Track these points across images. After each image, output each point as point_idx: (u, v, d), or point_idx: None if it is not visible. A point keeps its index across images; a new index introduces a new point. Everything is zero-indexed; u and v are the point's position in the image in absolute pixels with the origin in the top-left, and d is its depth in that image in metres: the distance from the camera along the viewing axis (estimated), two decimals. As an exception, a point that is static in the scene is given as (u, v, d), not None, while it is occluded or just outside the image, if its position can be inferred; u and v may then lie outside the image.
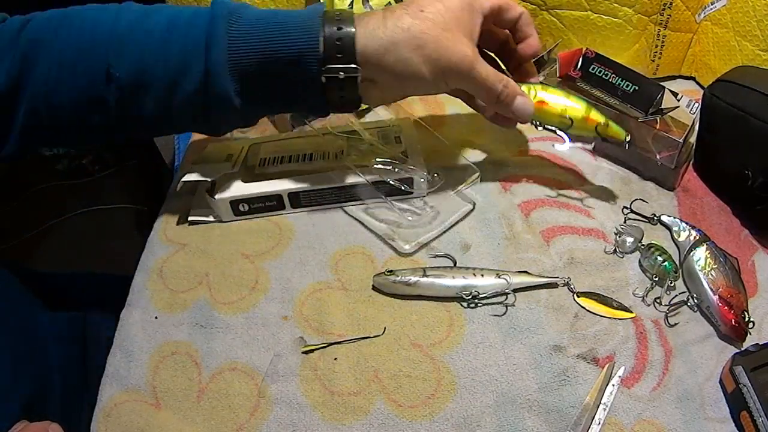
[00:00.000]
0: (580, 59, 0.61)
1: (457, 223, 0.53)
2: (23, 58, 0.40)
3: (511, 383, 0.42)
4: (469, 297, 0.46)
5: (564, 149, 0.60)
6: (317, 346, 0.44)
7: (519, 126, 0.65)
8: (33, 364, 0.51)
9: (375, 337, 0.45)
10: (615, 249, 0.51)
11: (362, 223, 0.54)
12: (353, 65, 0.42)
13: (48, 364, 0.53)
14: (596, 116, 0.50)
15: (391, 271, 0.47)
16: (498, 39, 0.51)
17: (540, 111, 0.50)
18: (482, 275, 0.47)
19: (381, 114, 0.64)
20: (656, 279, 0.48)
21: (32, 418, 0.47)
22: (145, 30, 0.41)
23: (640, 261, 0.50)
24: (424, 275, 0.47)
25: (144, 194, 1.50)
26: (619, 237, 0.51)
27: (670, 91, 0.56)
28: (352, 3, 0.64)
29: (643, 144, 0.55)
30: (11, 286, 0.54)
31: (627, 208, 0.54)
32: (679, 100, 0.56)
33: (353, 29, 0.42)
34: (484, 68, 0.44)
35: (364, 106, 0.64)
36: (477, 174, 0.55)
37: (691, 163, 0.59)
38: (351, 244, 0.52)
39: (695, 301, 0.46)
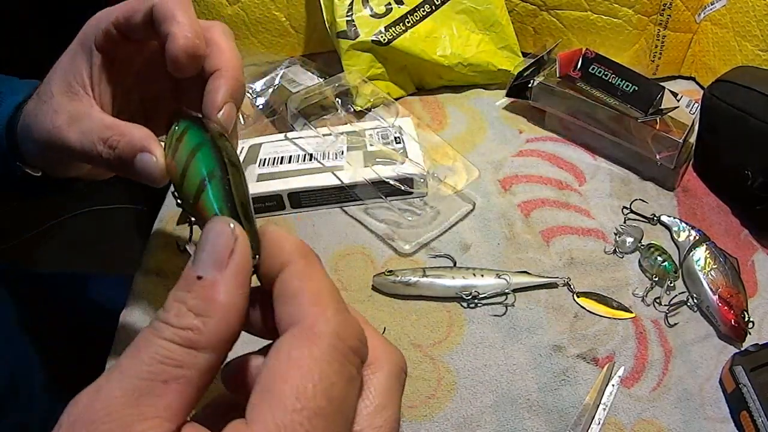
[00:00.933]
0: (580, 59, 0.61)
1: (457, 223, 0.53)
2: None
3: (511, 383, 0.42)
4: (469, 297, 0.46)
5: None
6: (317, 346, 0.44)
7: (519, 126, 0.65)
8: (10, 359, 0.51)
9: (375, 337, 0.45)
10: (615, 249, 0.51)
11: (362, 223, 0.54)
12: None
13: (30, 362, 0.53)
14: (205, 204, 0.26)
15: (391, 271, 0.47)
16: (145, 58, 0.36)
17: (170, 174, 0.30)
18: (482, 275, 0.47)
19: (381, 114, 0.64)
20: (656, 279, 0.48)
21: (11, 406, 0.47)
22: None
23: (639, 261, 0.50)
24: (424, 275, 0.47)
25: (144, 194, 1.49)
26: (619, 237, 0.51)
27: (670, 91, 0.56)
28: (352, 3, 0.65)
29: (643, 144, 0.55)
30: (8, 284, 0.54)
31: (627, 208, 0.54)
32: (679, 100, 0.56)
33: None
34: (77, 128, 0.33)
35: (363, 107, 0.65)
36: (477, 174, 0.55)
37: (691, 163, 0.59)
38: (351, 244, 0.52)
39: (695, 301, 0.46)
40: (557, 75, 0.61)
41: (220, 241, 0.21)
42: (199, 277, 0.20)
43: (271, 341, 0.22)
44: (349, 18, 0.64)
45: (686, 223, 0.52)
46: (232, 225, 0.21)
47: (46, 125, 0.33)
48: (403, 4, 0.67)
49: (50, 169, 0.39)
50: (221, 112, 0.31)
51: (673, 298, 0.47)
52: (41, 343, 0.55)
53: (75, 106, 0.34)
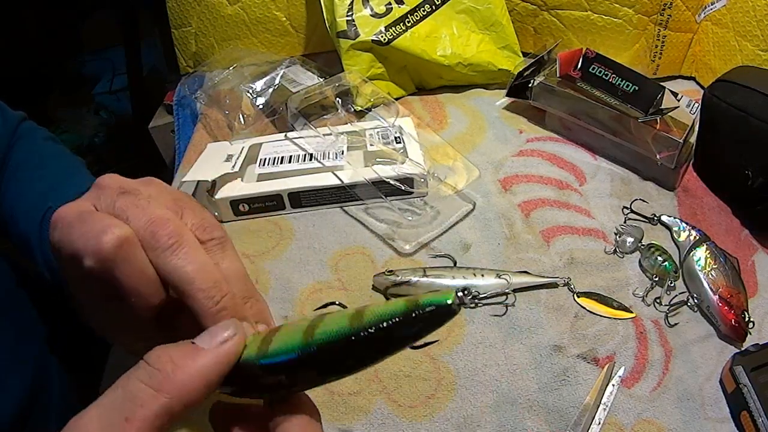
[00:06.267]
0: (581, 59, 0.61)
1: (457, 223, 0.53)
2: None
3: (511, 383, 0.42)
4: (469, 297, 0.46)
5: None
6: (317, 346, 0.44)
7: (519, 126, 0.65)
8: (32, 360, 0.51)
9: (375, 337, 0.45)
10: (615, 249, 0.51)
11: (362, 223, 0.54)
12: None
13: (47, 363, 0.53)
14: None
15: (391, 271, 0.47)
16: None
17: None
18: (482, 275, 0.47)
19: (381, 114, 0.64)
20: (656, 279, 0.48)
21: (33, 412, 0.47)
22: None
23: (640, 261, 0.50)
24: (424, 275, 0.47)
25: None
26: (619, 237, 0.51)
27: (671, 91, 0.56)
28: (352, 3, 0.65)
29: (643, 144, 0.55)
30: (13, 282, 0.54)
31: (627, 208, 0.54)
32: (679, 100, 0.56)
33: None
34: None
35: (363, 107, 0.65)
36: (477, 174, 0.55)
37: (691, 163, 0.59)
38: (351, 244, 0.52)
39: (695, 301, 0.46)
40: (557, 75, 0.61)
41: (223, 330, 0.24)
42: (193, 343, 0.24)
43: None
44: (350, 18, 0.64)
45: (686, 223, 0.52)
46: (233, 328, 0.25)
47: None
48: (403, 3, 0.67)
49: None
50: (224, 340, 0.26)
51: (674, 298, 0.47)
52: (55, 346, 0.55)
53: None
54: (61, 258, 0.29)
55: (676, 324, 0.45)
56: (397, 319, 0.22)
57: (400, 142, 0.58)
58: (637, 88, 0.57)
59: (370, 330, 0.23)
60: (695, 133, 0.57)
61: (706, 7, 0.67)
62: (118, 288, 0.26)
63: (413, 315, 0.22)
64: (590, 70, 0.60)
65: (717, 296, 0.45)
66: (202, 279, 0.26)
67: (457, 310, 0.22)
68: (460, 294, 0.22)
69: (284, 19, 0.76)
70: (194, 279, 0.26)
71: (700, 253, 0.48)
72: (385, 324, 0.22)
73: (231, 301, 0.27)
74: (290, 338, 0.24)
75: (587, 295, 0.47)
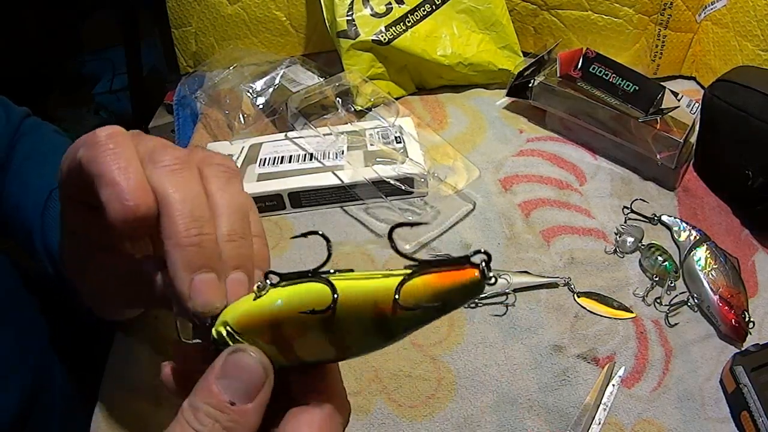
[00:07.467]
0: (581, 59, 0.61)
1: (457, 223, 0.53)
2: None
3: (511, 383, 0.42)
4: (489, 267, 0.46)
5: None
6: (317, 346, 0.44)
7: (519, 125, 0.65)
8: (33, 359, 0.51)
9: (375, 336, 0.45)
10: (615, 249, 0.51)
11: (362, 223, 0.54)
12: None
13: (48, 363, 0.53)
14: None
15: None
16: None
17: None
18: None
19: (381, 113, 0.64)
20: (656, 279, 0.48)
21: (33, 412, 0.47)
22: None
23: (640, 261, 0.50)
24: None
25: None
26: (620, 237, 0.51)
27: (671, 91, 0.56)
28: (352, 2, 0.65)
29: (643, 144, 0.55)
30: (14, 282, 0.54)
31: (627, 208, 0.54)
32: (679, 100, 0.56)
33: None
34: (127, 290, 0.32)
35: (363, 106, 0.65)
36: (477, 174, 0.55)
37: (691, 163, 0.59)
38: (351, 244, 0.52)
39: (695, 301, 0.46)
40: (558, 75, 0.61)
41: (253, 377, 0.24)
42: (232, 403, 0.24)
43: None
44: (350, 17, 0.64)
45: (687, 223, 0.52)
46: (262, 371, 0.24)
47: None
48: (403, 3, 0.66)
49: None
50: (194, 302, 0.26)
51: (674, 298, 0.47)
52: (56, 345, 0.55)
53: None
54: (64, 180, 0.29)
55: (676, 324, 0.45)
56: (429, 322, 0.24)
57: (400, 142, 0.58)
58: (637, 87, 0.57)
59: (403, 336, 0.25)
60: (695, 133, 0.57)
61: (706, 7, 0.67)
62: (100, 181, 0.24)
63: (445, 310, 0.24)
64: (590, 69, 0.60)
65: (717, 296, 0.45)
66: (187, 207, 0.25)
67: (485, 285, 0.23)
68: (481, 264, 0.23)
69: (284, 18, 0.75)
70: (178, 202, 0.25)
71: (701, 253, 0.48)
72: (417, 329, 0.24)
73: (208, 242, 0.25)
74: (323, 352, 0.25)
75: (587, 295, 0.47)
